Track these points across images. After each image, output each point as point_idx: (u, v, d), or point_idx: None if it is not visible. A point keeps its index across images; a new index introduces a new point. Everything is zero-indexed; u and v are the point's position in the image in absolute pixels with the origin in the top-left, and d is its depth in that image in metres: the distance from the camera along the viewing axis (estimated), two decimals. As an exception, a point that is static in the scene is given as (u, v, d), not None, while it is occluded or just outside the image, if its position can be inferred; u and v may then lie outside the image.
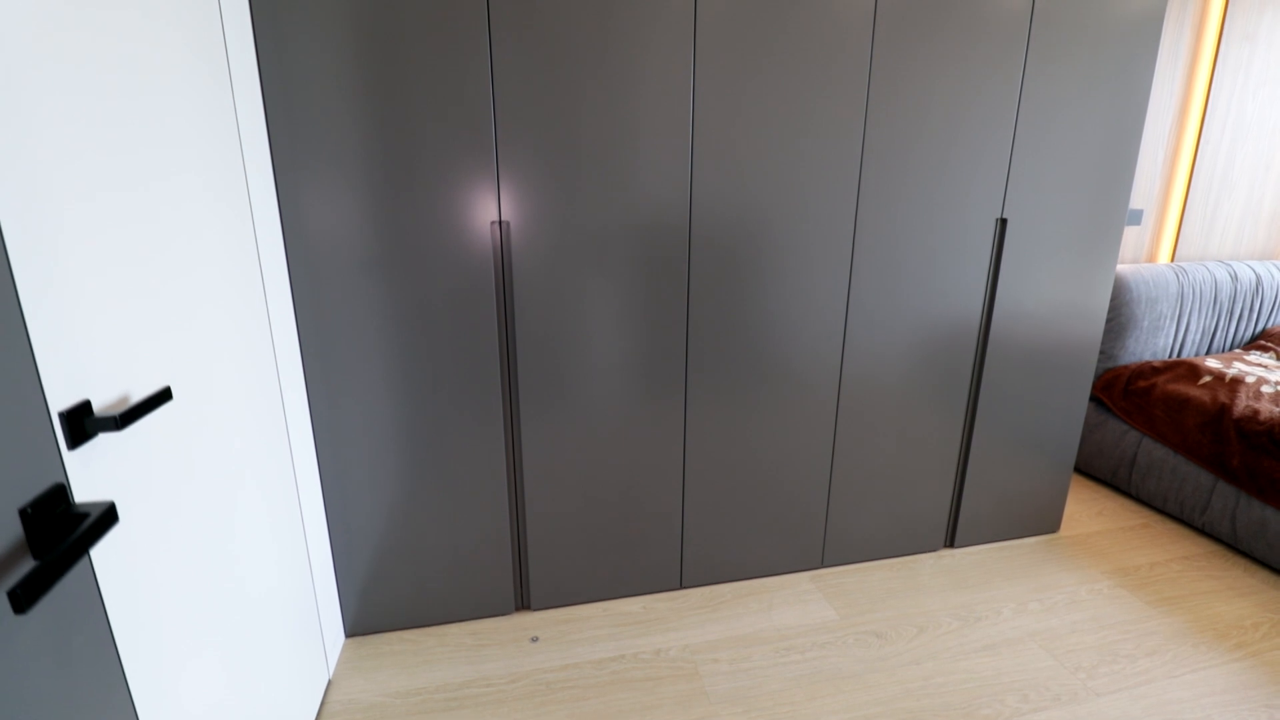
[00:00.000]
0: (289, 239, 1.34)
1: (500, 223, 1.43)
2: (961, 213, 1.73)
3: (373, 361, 1.45)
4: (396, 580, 1.62)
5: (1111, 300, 2.45)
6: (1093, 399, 2.55)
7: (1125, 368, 2.48)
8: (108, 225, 0.75)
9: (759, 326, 1.68)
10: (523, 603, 1.74)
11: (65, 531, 0.62)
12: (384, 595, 1.63)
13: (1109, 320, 2.47)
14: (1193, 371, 2.35)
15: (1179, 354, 2.61)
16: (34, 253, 0.63)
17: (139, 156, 0.82)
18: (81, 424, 0.68)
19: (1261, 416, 2.04)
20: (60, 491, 0.64)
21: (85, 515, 0.63)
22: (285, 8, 1.24)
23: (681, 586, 1.84)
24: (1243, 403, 2.14)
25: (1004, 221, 1.76)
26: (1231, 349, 2.70)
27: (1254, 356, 2.51)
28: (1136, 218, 2.34)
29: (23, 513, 0.59)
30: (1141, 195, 2.57)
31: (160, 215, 0.87)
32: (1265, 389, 2.19)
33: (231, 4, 1.15)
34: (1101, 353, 2.52)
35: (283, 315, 1.32)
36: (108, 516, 0.64)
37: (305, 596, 1.37)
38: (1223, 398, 2.18)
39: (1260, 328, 2.71)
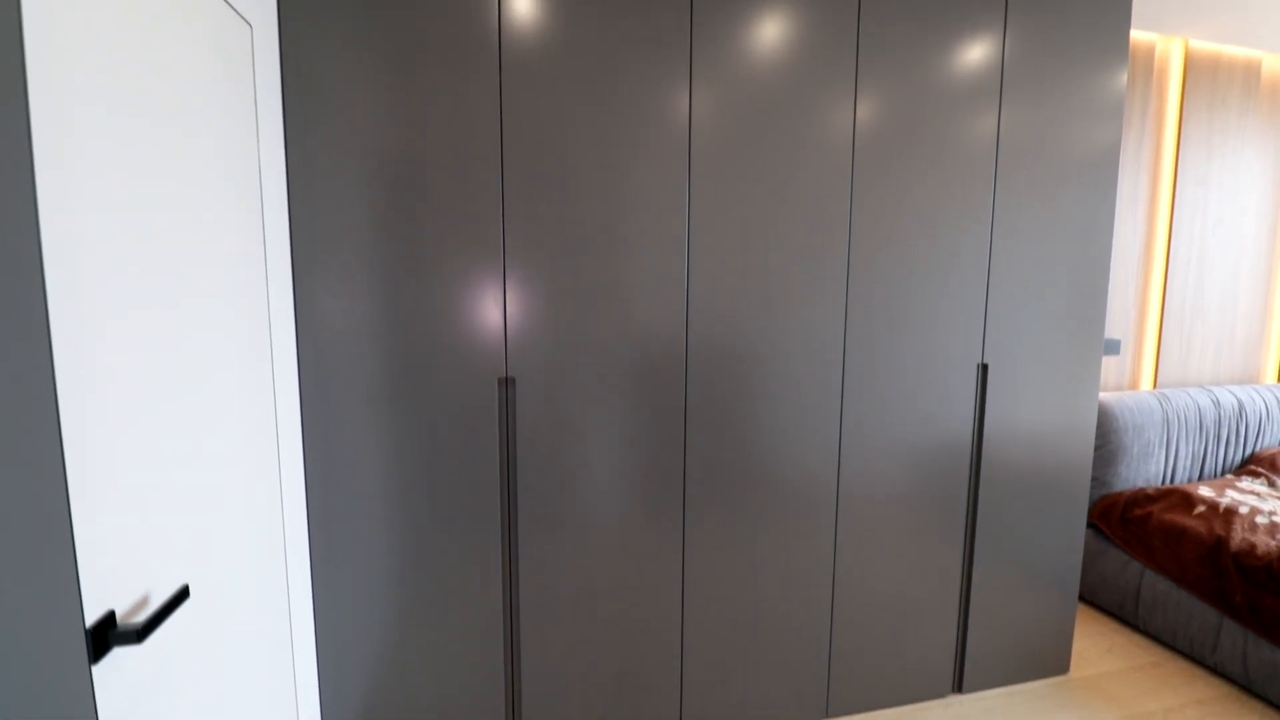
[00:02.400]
0: (304, 382, 1.41)
1: (506, 377, 1.51)
2: (944, 359, 1.82)
3: (373, 494, 1.48)
4: (387, 736, 1.58)
5: (1099, 428, 2.51)
6: (1091, 526, 2.55)
7: (1120, 494, 2.50)
8: (156, 435, 0.81)
9: (756, 452, 1.72)
10: (516, 757, 1.68)
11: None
12: (373, 752, 1.57)
13: (1099, 447, 2.52)
14: (1186, 500, 2.37)
15: (1171, 480, 2.64)
16: (84, 455, 0.69)
17: (188, 356, 0.90)
18: (105, 637, 0.71)
19: (1259, 551, 2.04)
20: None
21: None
22: (314, 149, 1.37)
23: (681, 737, 1.78)
24: (1239, 535, 2.15)
25: (985, 367, 1.85)
26: (1223, 474, 2.73)
27: (1245, 483, 2.54)
28: (1115, 347, 2.44)
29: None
30: (1118, 326, 2.70)
31: (197, 405, 0.94)
32: (1260, 520, 2.21)
33: (268, 148, 1.28)
34: (1095, 479, 2.55)
35: (292, 461, 1.37)
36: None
37: (293, 763, 1.33)
38: (1219, 529, 2.19)
39: (1248, 451, 2.76)
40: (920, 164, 1.74)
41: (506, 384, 1.51)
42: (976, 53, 1.75)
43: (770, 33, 1.60)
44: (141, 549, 0.80)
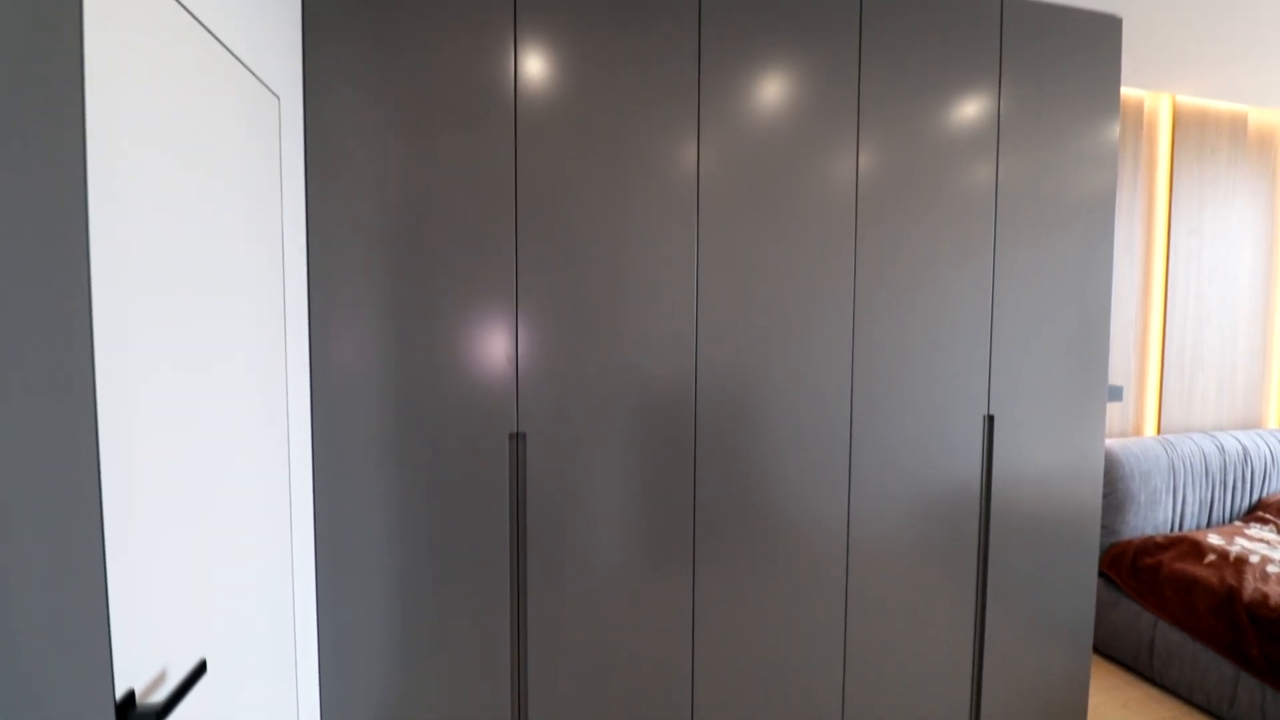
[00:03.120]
0: (317, 440, 1.42)
1: (517, 433, 1.52)
2: (950, 409, 1.83)
3: (382, 547, 1.48)
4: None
5: (1106, 475, 2.51)
6: (1102, 575, 2.53)
7: (1129, 543, 2.49)
8: (186, 507, 0.82)
9: (765, 500, 1.72)
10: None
11: None
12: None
13: (1106, 495, 2.52)
14: (1196, 549, 2.36)
15: (1180, 527, 2.62)
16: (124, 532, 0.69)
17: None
18: (125, 719, 0.71)
19: (1272, 601, 2.03)
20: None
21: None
22: (333, 206, 1.41)
23: (691, 800, 1.73)
24: (1250, 585, 2.13)
25: (991, 418, 1.87)
26: (1231, 520, 2.72)
27: (1254, 530, 2.52)
28: (1118, 394, 2.46)
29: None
30: (1119, 373, 2.72)
31: (221, 470, 0.95)
32: (1271, 569, 2.20)
33: (291, 208, 1.31)
34: (1104, 527, 2.54)
35: (303, 518, 1.37)
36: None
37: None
38: (1230, 580, 2.18)
39: (1255, 497, 2.75)
40: (921, 213, 1.78)
41: (517, 439, 1.52)
42: (974, 108, 1.81)
43: (775, 87, 1.66)
44: (161, 620, 0.79)
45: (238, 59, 1.02)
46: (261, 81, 1.12)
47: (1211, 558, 2.30)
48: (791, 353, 1.71)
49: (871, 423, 1.78)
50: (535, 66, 1.49)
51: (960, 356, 1.83)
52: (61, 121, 0.61)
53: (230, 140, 1.00)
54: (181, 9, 0.84)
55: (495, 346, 1.50)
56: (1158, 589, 2.33)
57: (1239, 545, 2.36)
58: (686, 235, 1.61)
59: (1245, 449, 2.73)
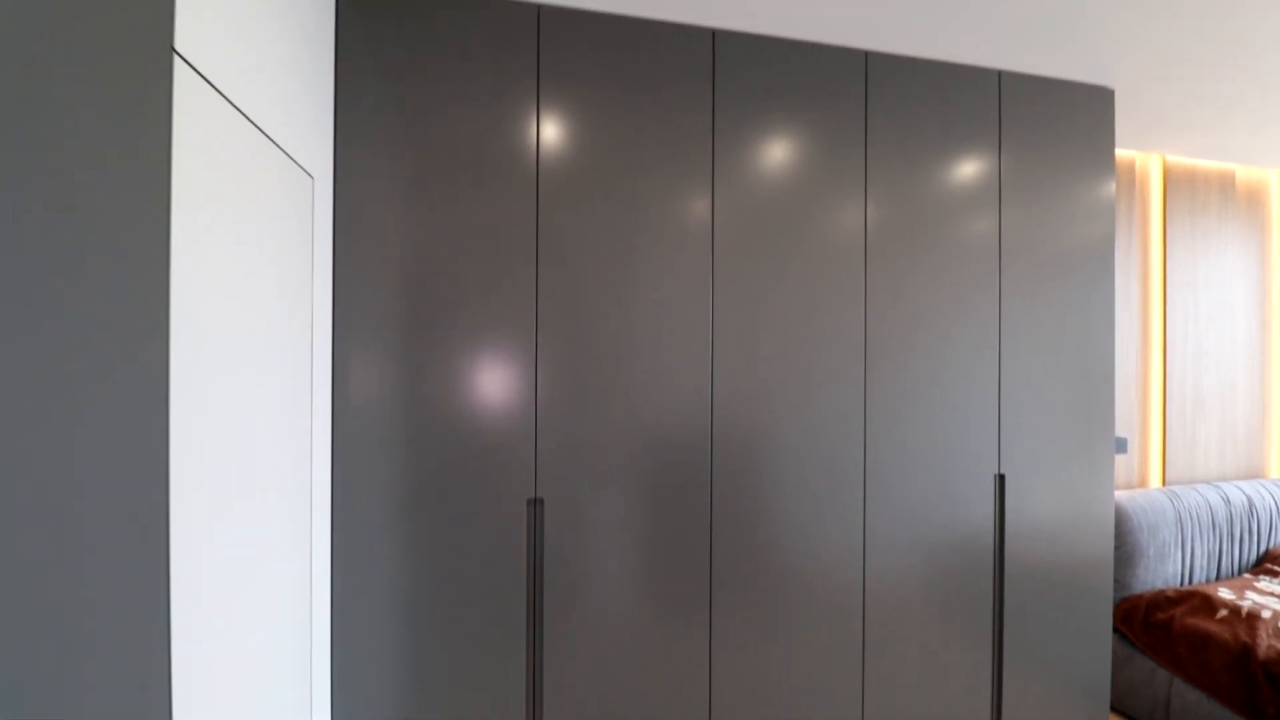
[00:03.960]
0: (336, 504, 1.42)
1: (536, 498, 1.53)
2: (961, 469, 1.85)
3: (397, 611, 1.47)
4: None
5: (1115, 528, 2.51)
6: (1115, 631, 2.51)
7: (1140, 597, 2.48)
8: (229, 606, 0.83)
9: (782, 556, 1.72)
10: None
11: None
12: None
13: (1116, 549, 2.52)
14: (1208, 604, 2.35)
15: (1189, 580, 2.62)
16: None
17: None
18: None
19: (1288, 660, 2.01)
20: None
21: None
22: (358, 271, 1.44)
23: None
24: (1265, 642, 2.12)
25: (1002, 477, 1.88)
26: (1239, 573, 2.71)
27: (1264, 583, 2.52)
28: (1122, 445, 2.48)
29: None
30: (1122, 424, 2.75)
31: (258, 548, 0.95)
32: (1284, 625, 2.19)
33: (320, 277, 1.33)
34: (1115, 582, 2.53)
35: (321, 577, 1.36)
36: None
37: None
38: (1244, 636, 2.16)
39: (1262, 549, 2.75)
40: (927, 268, 1.84)
41: (535, 504, 1.52)
42: (975, 167, 1.88)
43: (785, 147, 1.73)
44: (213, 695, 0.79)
45: (280, 148, 1.06)
46: (300, 165, 1.16)
47: (1224, 613, 2.29)
48: (805, 405, 1.73)
49: (885, 476, 1.79)
50: (556, 129, 1.55)
51: (970, 414, 1.86)
52: (152, 222, 0.67)
53: (271, 219, 1.04)
54: (237, 112, 0.89)
55: (514, 407, 1.52)
56: (1171, 645, 2.32)
57: (1250, 600, 2.35)
58: (701, 288, 1.65)
59: (1250, 500, 2.74)
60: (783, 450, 1.72)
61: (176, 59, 0.72)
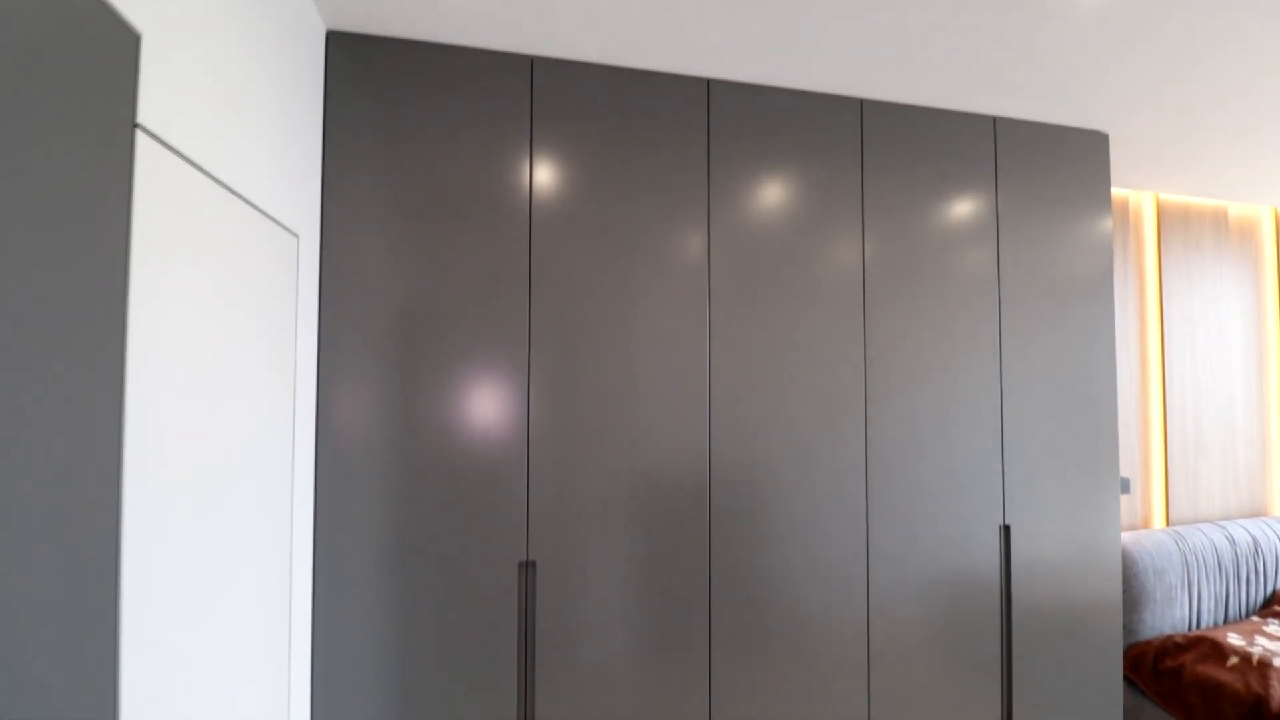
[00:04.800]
0: (319, 565, 1.35)
1: (527, 561, 1.46)
2: (965, 520, 1.80)
3: (384, 672, 1.39)
4: None
5: (1121, 572, 2.46)
6: (1125, 679, 2.44)
7: (1149, 644, 2.41)
8: (199, 647, 0.77)
9: (783, 604, 1.66)
10: None
11: None
12: None
13: (1123, 593, 2.46)
14: (1217, 650, 2.29)
15: (1197, 624, 2.56)
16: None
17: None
18: None
19: (1303, 713, 1.95)
20: None
21: None
22: (344, 331, 1.38)
23: None
24: (1278, 694, 2.06)
25: (1007, 528, 1.83)
26: (1247, 615, 2.66)
27: (1273, 627, 2.46)
28: (1126, 486, 2.44)
29: None
30: (1125, 464, 2.71)
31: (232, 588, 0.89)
32: (1296, 673, 2.13)
33: (305, 334, 1.28)
34: (1123, 627, 2.47)
35: (301, 634, 1.29)
36: None
37: None
38: (1256, 686, 2.10)
39: (1269, 590, 2.70)
40: (927, 308, 1.82)
41: (527, 568, 1.46)
42: (973, 207, 1.87)
43: (781, 187, 1.71)
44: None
45: (259, 209, 1.02)
46: (280, 224, 1.12)
47: (1234, 660, 2.23)
48: (805, 447, 1.69)
49: (889, 522, 1.75)
50: (550, 173, 1.52)
51: (974, 462, 1.82)
52: (110, 286, 0.65)
53: (248, 275, 1.00)
54: (209, 179, 0.84)
55: (505, 457, 1.46)
56: (1182, 694, 2.25)
57: (1260, 646, 2.29)
58: (698, 329, 1.62)
59: (1255, 539, 2.70)
60: (782, 493, 1.66)
61: (140, 133, 0.68)
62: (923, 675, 1.78)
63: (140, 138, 0.68)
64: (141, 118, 0.68)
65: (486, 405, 1.45)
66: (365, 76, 1.42)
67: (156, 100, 0.70)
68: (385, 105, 1.42)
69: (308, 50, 1.27)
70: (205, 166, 0.82)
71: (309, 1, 1.27)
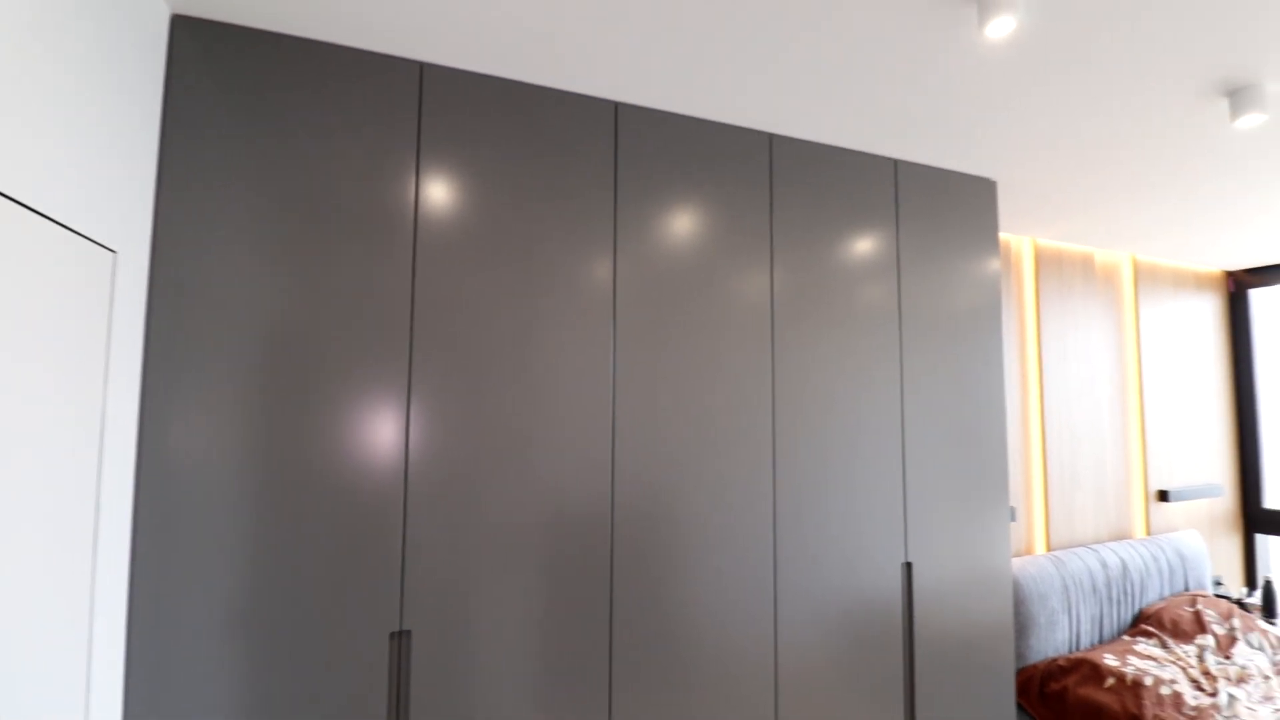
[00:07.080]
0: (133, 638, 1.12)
1: (401, 631, 1.29)
2: (869, 557, 1.79)
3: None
4: None
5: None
6: (1017, 705, 2.52)
7: (1035, 667, 2.51)
8: None
9: (686, 646, 1.56)
10: None
11: None
12: None
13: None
14: (1096, 672, 2.40)
15: (1077, 645, 2.69)
16: None
17: None
18: None
19: (1172, 731, 2.07)
20: None
21: None
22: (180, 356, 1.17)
23: None
24: (1150, 712, 2.18)
25: (909, 565, 1.84)
26: (1119, 634, 2.83)
27: (1142, 646, 2.63)
28: (1013, 514, 2.55)
29: None
30: (1010, 493, 2.84)
31: None
32: (1164, 691, 2.27)
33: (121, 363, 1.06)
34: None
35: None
36: None
37: None
38: (1131, 707, 2.21)
39: (1136, 609, 2.90)
40: (833, 337, 1.83)
41: (400, 638, 1.28)
42: (874, 243, 1.90)
43: (691, 216, 1.66)
44: None
45: (57, 223, 0.83)
46: (91, 240, 0.92)
47: (1111, 681, 2.35)
48: (713, 479, 1.62)
49: (796, 551, 1.72)
50: (439, 185, 1.39)
51: (877, 499, 1.82)
52: None
53: (40, 293, 0.79)
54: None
55: (379, 511, 1.28)
56: (1066, 717, 2.34)
57: (1132, 666, 2.43)
58: (603, 358, 1.52)
59: (1124, 561, 2.90)
60: (690, 527, 1.59)
61: None
62: (829, 704, 1.74)
63: None
64: None
65: (357, 442, 1.28)
66: (222, 72, 1.23)
67: None
68: (245, 106, 1.24)
69: (142, 36, 1.08)
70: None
71: (148, -22, 1.08)
